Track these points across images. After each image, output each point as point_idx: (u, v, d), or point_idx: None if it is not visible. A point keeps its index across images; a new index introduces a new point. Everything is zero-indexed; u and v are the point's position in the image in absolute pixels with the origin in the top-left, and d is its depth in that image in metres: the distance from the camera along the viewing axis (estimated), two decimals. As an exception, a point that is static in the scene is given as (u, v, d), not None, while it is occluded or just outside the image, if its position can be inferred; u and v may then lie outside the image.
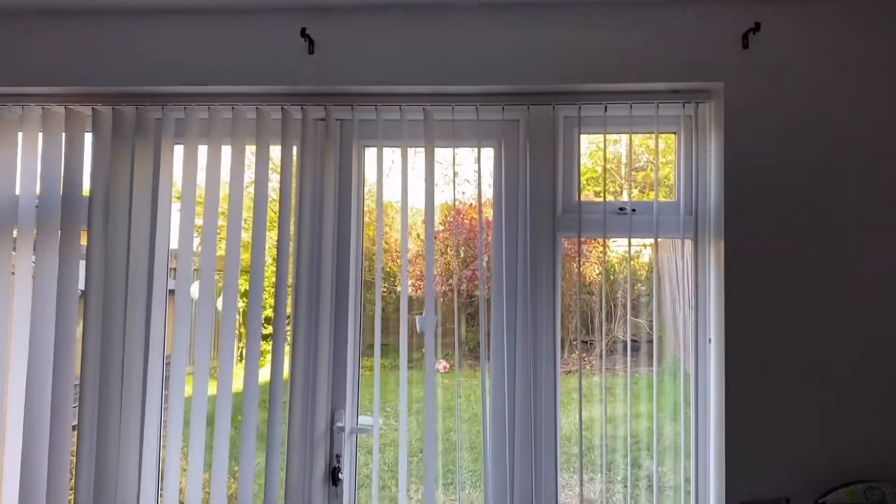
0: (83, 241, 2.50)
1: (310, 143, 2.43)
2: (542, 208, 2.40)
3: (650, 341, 2.42)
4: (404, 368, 2.34)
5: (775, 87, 2.24)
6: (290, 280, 2.40)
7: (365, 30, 2.35)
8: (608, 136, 2.45)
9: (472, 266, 2.78)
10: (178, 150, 2.52)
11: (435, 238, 2.55)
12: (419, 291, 2.71)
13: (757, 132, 2.24)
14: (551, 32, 2.31)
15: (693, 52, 2.27)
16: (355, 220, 2.49)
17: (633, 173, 2.57)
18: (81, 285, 2.48)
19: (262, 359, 2.41)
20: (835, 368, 2.18)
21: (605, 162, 2.40)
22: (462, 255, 2.87)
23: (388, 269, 2.79)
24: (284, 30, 2.36)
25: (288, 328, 2.39)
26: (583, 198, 2.47)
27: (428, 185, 2.38)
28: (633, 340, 2.43)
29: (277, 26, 2.37)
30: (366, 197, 2.58)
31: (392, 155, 2.52)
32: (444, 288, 2.68)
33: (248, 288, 2.43)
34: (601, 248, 2.63)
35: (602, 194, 2.40)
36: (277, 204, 2.42)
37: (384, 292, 2.59)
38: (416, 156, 2.52)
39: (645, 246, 2.77)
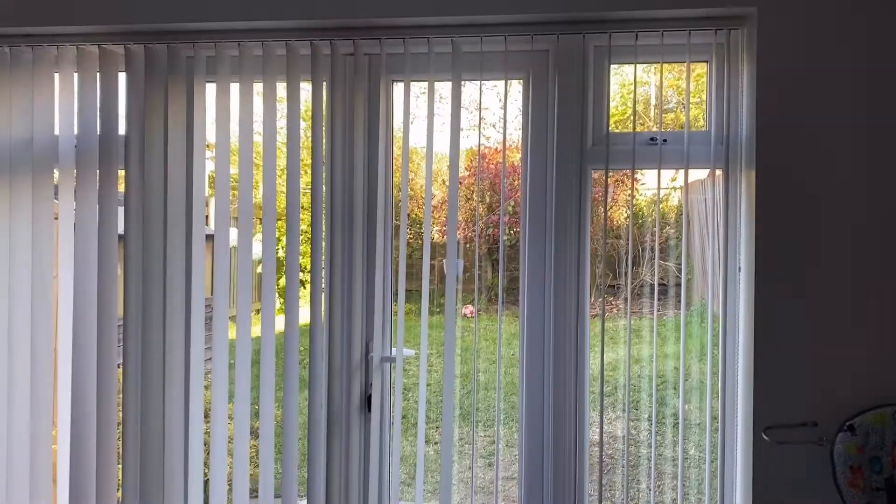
0: (121, 181, 2.56)
1: (339, 78, 2.45)
2: (572, 140, 2.40)
3: (678, 284, 2.43)
4: (425, 309, 2.40)
5: (810, 12, 2.19)
6: (324, 226, 2.44)
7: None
8: (638, 66, 2.42)
9: (497, 211, 2.79)
10: (210, 89, 2.56)
11: (460, 184, 2.56)
12: (444, 237, 2.74)
13: (790, 59, 2.20)
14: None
15: (726, -25, 2.22)
16: (384, 158, 2.49)
17: (664, 104, 2.55)
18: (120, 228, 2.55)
19: (301, 300, 2.49)
20: (862, 296, 2.18)
21: (635, 92, 2.38)
22: (488, 199, 2.90)
23: (413, 216, 2.82)
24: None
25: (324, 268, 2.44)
26: (612, 130, 2.46)
27: (454, 122, 2.39)
28: (660, 284, 2.46)
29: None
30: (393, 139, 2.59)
31: (419, 90, 2.53)
32: (469, 233, 2.71)
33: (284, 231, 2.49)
34: (629, 192, 2.63)
35: (632, 125, 2.38)
36: (310, 141, 2.46)
37: (410, 238, 2.62)
38: (443, 97, 2.53)
39: (674, 189, 2.77)
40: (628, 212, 2.59)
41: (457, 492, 2.71)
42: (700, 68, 2.46)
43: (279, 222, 2.57)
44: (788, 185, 2.21)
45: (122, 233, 2.52)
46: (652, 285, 2.44)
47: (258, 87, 2.51)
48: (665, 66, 2.48)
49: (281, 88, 2.50)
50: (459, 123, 2.41)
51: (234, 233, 2.56)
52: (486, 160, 2.94)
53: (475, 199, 2.76)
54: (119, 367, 2.54)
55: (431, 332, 2.49)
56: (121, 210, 2.55)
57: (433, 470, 2.71)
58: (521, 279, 2.44)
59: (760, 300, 2.22)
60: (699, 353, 2.41)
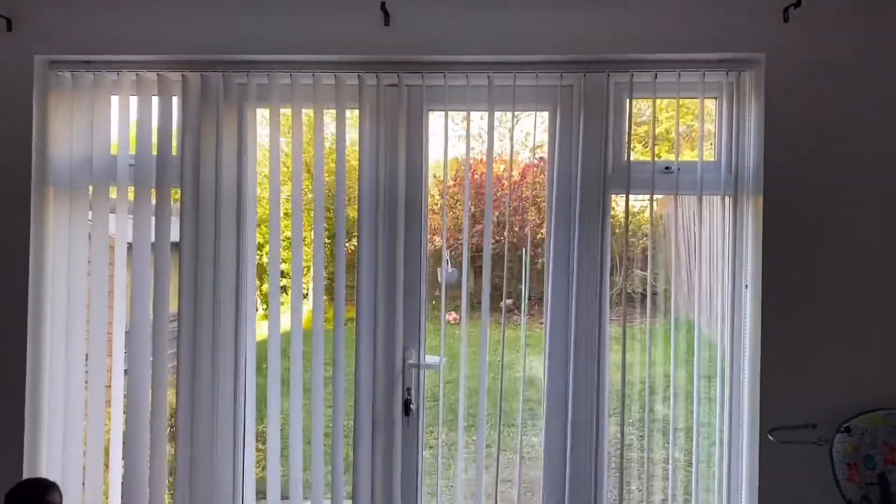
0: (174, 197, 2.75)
1: (382, 106, 2.67)
2: (594, 167, 2.63)
3: (654, 294, 2.67)
4: (443, 322, 2.63)
5: (813, 59, 2.46)
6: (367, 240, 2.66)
7: (436, 3, 2.57)
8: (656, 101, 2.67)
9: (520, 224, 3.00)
10: (260, 113, 2.77)
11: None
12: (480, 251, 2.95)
13: (795, 99, 2.47)
14: (608, 4, 2.52)
15: (737, 25, 2.49)
16: (423, 179, 2.72)
17: (680, 134, 2.80)
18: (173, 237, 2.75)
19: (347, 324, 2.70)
20: (858, 311, 2.45)
21: (653, 124, 2.63)
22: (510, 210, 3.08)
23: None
24: (363, 3, 2.57)
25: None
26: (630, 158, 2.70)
27: (489, 149, 2.64)
28: (648, 293, 2.69)
29: (355, 1, 2.57)
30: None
31: (456, 118, 2.76)
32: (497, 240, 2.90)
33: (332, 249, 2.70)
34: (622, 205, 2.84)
35: (650, 154, 2.62)
36: (356, 162, 2.67)
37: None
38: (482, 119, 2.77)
39: (647, 203, 2.99)
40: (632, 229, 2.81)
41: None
42: (711, 103, 2.71)
43: (327, 240, 2.78)
44: (791, 210, 2.47)
45: (177, 241, 2.72)
46: (644, 294, 2.67)
47: (306, 112, 2.71)
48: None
49: (328, 115, 2.71)
50: (493, 148, 2.65)
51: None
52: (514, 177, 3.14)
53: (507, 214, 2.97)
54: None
55: (455, 342, 2.71)
56: (173, 221, 2.74)
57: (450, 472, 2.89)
58: (546, 290, 2.66)
59: (766, 314, 2.48)
60: (721, 362, 2.63)
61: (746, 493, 2.56)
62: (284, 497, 2.74)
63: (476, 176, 2.93)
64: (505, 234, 2.70)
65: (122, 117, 2.75)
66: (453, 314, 2.84)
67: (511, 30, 2.56)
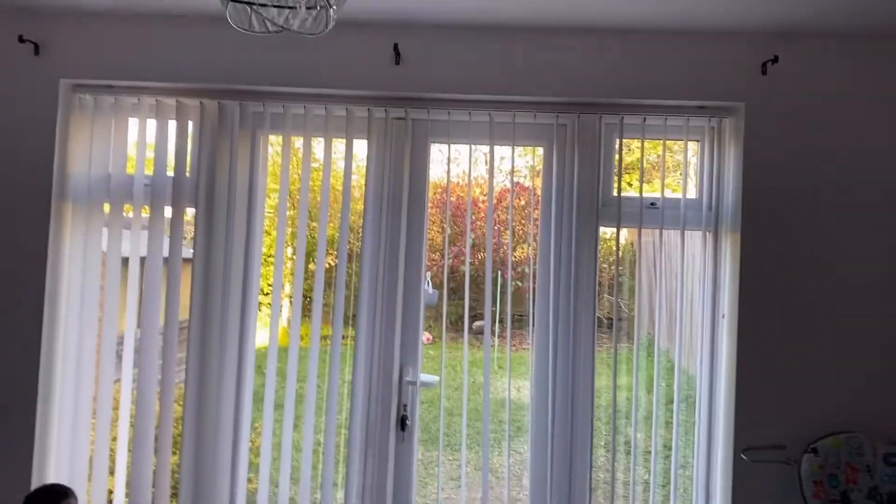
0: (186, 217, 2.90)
1: (390, 138, 2.85)
2: (586, 200, 2.83)
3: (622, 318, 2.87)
4: (444, 343, 2.80)
5: (788, 108, 2.70)
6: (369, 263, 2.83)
7: (444, 45, 2.76)
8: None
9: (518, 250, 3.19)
10: (273, 140, 2.93)
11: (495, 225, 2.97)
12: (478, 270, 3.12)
13: (772, 144, 2.70)
14: (600, 53, 2.74)
15: (720, 76, 2.72)
16: (424, 205, 2.89)
17: (665, 172, 3.01)
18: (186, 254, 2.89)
19: (345, 329, 2.86)
20: (826, 341, 2.67)
21: (642, 163, 2.84)
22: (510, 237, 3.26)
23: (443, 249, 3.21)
24: (375, 43, 2.76)
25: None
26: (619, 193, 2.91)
27: (490, 180, 2.83)
28: (610, 318, 2.89)
29: (370, 40, 2.76)
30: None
31: (457, 150, 2.94)
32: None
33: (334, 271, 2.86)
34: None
35: (639, 190, 2.83)
36: (363, 188, 2.84)
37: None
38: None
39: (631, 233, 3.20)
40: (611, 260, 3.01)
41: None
42: (694, 146, 2.93)
43: (329, 257, 2.94)
44: (766, 247, 2.69)
45: (188, 256, 2.87)
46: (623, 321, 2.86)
47: (317, 142, 2.88)
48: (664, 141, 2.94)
49: (338, 143, 2.89)
50: (493, 179, 2.84)
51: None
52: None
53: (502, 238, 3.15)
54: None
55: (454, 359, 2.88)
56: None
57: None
58: (539, 314, 2.84)
59: (741, 343, 2.69)
60: (707, 388, 2.82)
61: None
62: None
63: (454, 199, 3.10)
64: (482, 255, 2.88)
65: (140, 139, 2.89)
66: (427, 335, 3.01)
67: (512, 73, 2.76)
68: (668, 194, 2.86)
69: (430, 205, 2.95)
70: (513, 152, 2.85)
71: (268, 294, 3.03)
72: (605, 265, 3.09)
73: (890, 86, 2.70)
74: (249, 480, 2.87)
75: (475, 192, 3.03)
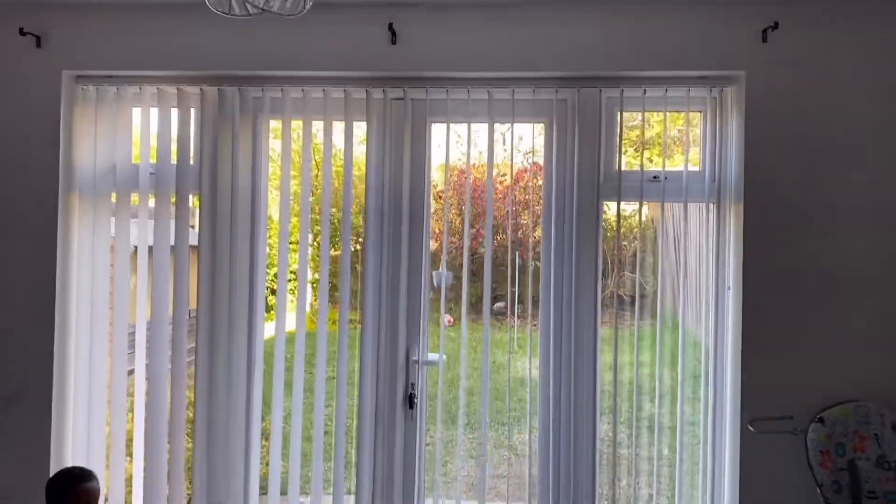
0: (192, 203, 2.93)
1: (389, 119, 2.85)
2: (587, 176, 2.82)
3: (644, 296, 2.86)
4: (444, 322, 2.81)
5: (789, 76, 2.66)
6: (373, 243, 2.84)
7: (440, 23, 2.75)
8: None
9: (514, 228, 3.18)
10: (273, 124, 2.95)
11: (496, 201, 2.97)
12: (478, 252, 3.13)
13: (772, 113, 2.66)
14: (598, 25, 2.72)
15: (719, 45, 2.68)
16: (425, 186, 2.90)
17: (667, 145, 2.98)
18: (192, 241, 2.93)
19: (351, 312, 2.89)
20: (832, 311, 2.64)
21: (643, 136, 2.82)
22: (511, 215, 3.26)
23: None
24: (371, 23, 2.75)
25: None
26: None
27: (489, 157, 2.83)
28: (637, 295, 2.88)
29: (365, 20, 2.75)
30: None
31: (457, 129, 2.94)
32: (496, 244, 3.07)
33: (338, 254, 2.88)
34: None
35: (640, 164, 2.81)
36: (363, 169, 2.86)
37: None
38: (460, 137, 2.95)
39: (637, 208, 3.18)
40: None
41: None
42: (696, 117, 2.90)
43: (333, 238, 2.97)
44: (770, 217, 2.66)
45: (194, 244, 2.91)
46: (633, 296, 2.85)
47: (317, 125, 2.89)
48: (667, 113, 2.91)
49: (338, 126, 2.89)
50: (493, 158, 2.83)
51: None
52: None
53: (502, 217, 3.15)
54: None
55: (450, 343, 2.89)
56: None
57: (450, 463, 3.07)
58: (543, 293, 2.84)
59: (746, 314, 2.67)
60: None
61: (729, 479, 2.75)
62: (283, 493, 2.92)
63: (472, 181, 3.10)
64: (499, 236, 2.88)
65: (143, 128, 2.92)
66: (448, 317, 3.02)
67: (509, 48, 2.74)
68: (671, 167, 2.83)
69: (448, 187, 2.94)
70: (511, 129, 2.84)
71: (274, 281, 3.06)
72: (626, 242, 3.06)
73: (892, 51, 2.64)
74: (262, 460, 2.93)
75: (495, 171, 3.00)
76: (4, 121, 2.85)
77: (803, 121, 2.66)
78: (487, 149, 2.83)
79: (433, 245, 3.02)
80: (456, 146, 2.90)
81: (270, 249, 3.09)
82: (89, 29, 2.84)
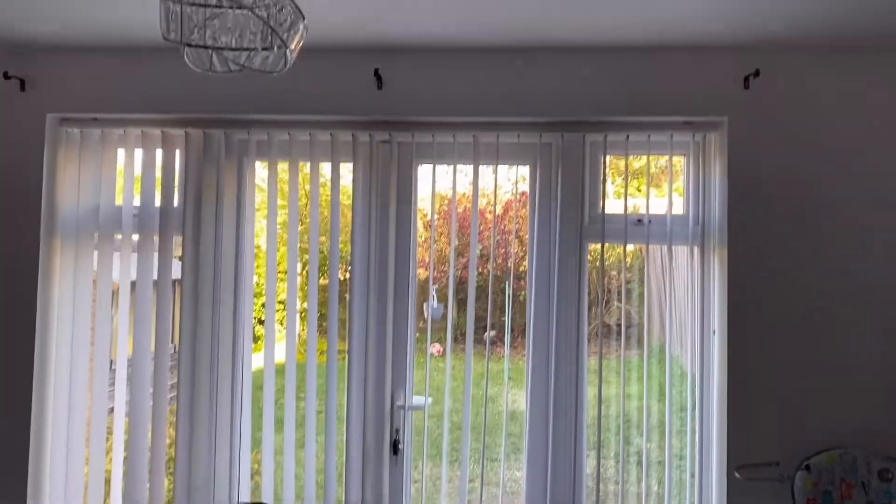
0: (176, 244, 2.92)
1: (376, 160, 2.85)
2: (572, 218, 2.82)
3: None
4: (428, 366, 2.79)
5: (771, 121, 2.68)
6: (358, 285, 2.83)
7: (425, 69, 2.77)
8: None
9: (503, 257, 3.18)
10: (258, 167, 2.94)
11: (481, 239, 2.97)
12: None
13: (755, 158, 2.69)
14: (582, 72, 2.74)
15: (702, 91, 2.71)
16: (412, 226, 2.90)
17: (651, 189, 2.99)
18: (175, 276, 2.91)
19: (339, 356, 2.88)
20: (816, 356, 2.64)
21: (626, 181, 2.83)
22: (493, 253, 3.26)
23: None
24: (357, 68, 2.76)
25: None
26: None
27: (474, 198, 2.83)
28: (623, 325, 2.87)
29: (351, 65, 2.77)
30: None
31: (442, 171, 2.94)
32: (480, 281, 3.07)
33: (326, 286, 2.86)
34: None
35: (624, 208, 2.81)
36: (350, 210, 2.85)
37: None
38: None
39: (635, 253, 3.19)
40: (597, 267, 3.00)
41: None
42: (679, 161, 2.92)
43: (321, 279, 2.95)
44: (754, 260, 2.67)
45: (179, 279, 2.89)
46: (619, 329, 2.85)
47: (304, 167, 2.90)
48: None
49: (325, 168, 2.89)
50: (478, 199, 2.84)
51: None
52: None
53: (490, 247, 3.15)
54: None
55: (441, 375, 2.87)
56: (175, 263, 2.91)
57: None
58: (528, 328, 2.83)
59: (732, 359, 2.66)
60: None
61: (716, 526, 2.72)
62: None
63: (460, 210, 3.09)
64: (489, 266, 2.89)
65: (127, 170, 2.91)
66: (437, 346, 3.00)
67: (494, 94, 2.76)
68: (655, 210, 2.84)
69: (437, 217, 2.94)
70: (495, 173, 2.85)
71: (262, 318, 3.04)
72: (615, 272, 3.05)
73: (871, 97, 2.68)
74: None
75: (481, 202, 3.00)
76: (-12, 163, 2.84)
77: (786, 165, 2.68)
78: (472, 188, 2.83)
79: (422, 274, 3.01)
80: (443, 177, 2.90)
81: (258, 279, 3.07)
82: (74, 72, 2.84)
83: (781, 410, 2.64)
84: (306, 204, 2.93)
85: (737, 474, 2.58)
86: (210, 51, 1.42)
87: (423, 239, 3.02)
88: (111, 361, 2.91)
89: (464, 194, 3.06)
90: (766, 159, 2.69)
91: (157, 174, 2.91)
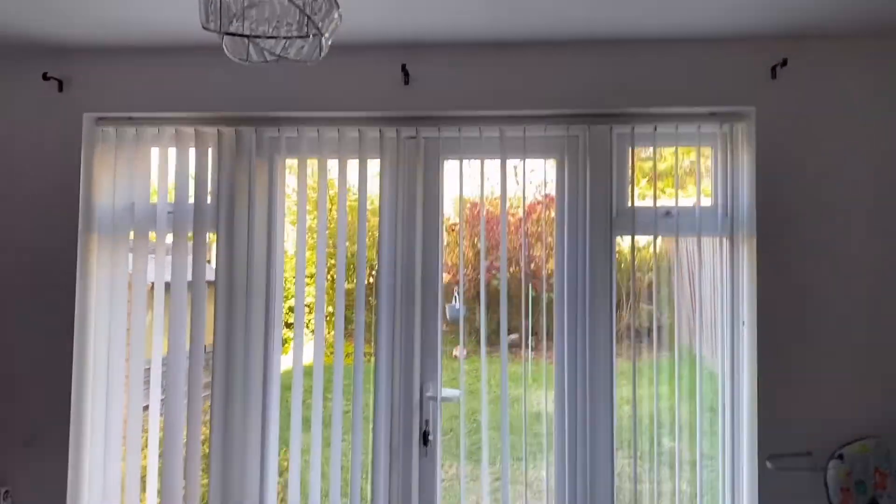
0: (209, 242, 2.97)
1: (402, 157, 2.89)
2: (600, 211, 2.84)
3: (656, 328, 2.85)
4: (463, 355, 2.81)
5: (799, 111, 2.68)
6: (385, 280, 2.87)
7: (451, 64, 2.80)
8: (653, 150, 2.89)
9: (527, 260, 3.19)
10: (290, 163, 2.99)
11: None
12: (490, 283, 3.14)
13: (783, 147, 2.68)
14: (610, 64, 2.76)
15: (729, 81, 2.71)
16: (440, 226, 2.93)
17: (679, 180, 3.00)
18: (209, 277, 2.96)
19: (366, 346, 2.90)
20: (848, 344, 2.63)
21: (655, 173, 2.84)
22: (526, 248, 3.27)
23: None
24: (384, 64, 2.81)
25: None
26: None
27: (503, 193, 2.85)
28: (654, 327, 2.87)
29: (378, 62, 2.81)
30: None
31: (469, 166, 2.97)
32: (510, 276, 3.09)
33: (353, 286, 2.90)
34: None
35: (654, 200, 2.82)
36: (376, 216, 2.89)
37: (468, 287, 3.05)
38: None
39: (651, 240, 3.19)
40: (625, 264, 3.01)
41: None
42: (707, 151, 2.92)
43: (349, 274, 2.99)
44: (783, 251, 2.66)
45: (214, 279, 2.94)
46: (650, 328, 2.85)
47: (332, 163, 2.94)
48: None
49: (352, 164, 2.94)
50: (506, 194, 2.86)
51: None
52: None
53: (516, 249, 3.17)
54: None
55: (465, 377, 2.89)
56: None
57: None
58: (558, 326, 2.85)
59: (761, 349, 2.65)
60: (722, 396, 2.80)
61: (748, 518, 2.71)
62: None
63: (485, 212, 3.11)
64: (520, 266, 2.91)
65: (161, 168, 2.97)
66: (460, 348, 3.02)
67: (520, 87, 2.79)
68: (683, 202, 2.84)
69: (464, 220, 2.98)
70: (523, 165, 2.87)
71: (291, 317, 3.08)
72: (641, 273, 3.05)
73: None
74: (278, 496, 2.92)
75: (508, 204, 3.03)
76: (27, 162, 2.92)
77: (814, 155, 2.67)
78: (501, 183, 2.86)
79: (446, 277, 3.03)
80: (469, 179, 2.92)
81: (286, 283, 3.12)
82: (110, 72, 2.91)
83: (813, 401, 2.62)
84: (332, 209, 2.97)
85: (768, 464, 2.58)
86: (247, 40, 1.46)
87: (446, 242, 3.04)
88: (146, 361, 2.97)
89: (487, 198, 3.07)
90: (794, 149, 2.68)
91: (190, 171, 2.97)
